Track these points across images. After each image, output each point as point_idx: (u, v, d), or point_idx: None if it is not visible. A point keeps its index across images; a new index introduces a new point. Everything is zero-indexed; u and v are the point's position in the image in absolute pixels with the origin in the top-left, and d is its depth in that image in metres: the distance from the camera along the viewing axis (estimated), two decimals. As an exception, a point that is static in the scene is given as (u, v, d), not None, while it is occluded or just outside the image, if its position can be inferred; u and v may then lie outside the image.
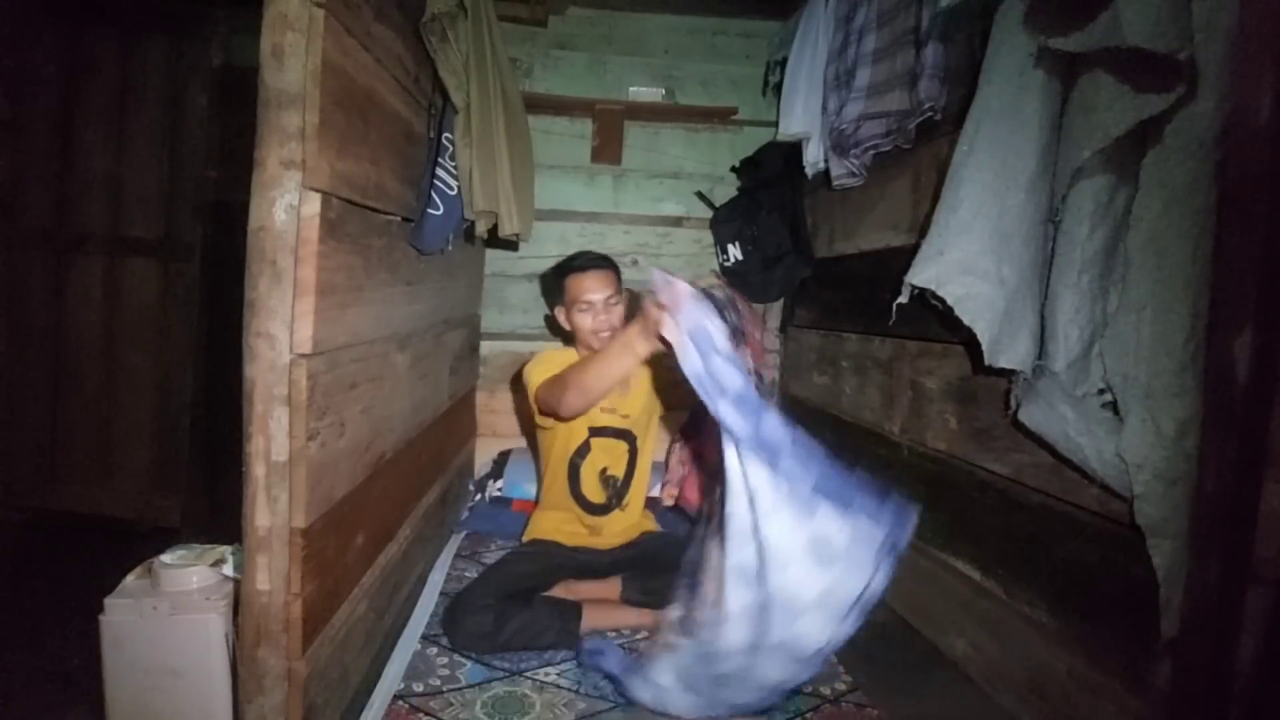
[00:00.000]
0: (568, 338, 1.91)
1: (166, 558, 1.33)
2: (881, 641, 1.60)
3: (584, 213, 2.60)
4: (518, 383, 2.13)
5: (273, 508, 1.02)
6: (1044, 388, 1.15)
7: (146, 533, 2.43)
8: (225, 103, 2.52)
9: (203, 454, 2.55)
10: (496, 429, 2.62)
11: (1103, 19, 0.97)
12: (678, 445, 2.28)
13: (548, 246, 2.56)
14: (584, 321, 1.68)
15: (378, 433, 1.38)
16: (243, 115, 1.07)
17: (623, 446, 1.83)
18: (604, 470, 1.82)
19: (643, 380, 1.81)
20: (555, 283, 1.77)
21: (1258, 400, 0.85)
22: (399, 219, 1.46)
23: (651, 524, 1.94)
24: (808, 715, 1.32)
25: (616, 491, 1.83)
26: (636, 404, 1.82)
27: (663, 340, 1.18)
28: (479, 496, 2.33)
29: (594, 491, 1.82)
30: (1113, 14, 0.95)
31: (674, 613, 1.24)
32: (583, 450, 1.80)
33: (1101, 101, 1.02)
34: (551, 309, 1.77)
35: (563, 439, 1.79)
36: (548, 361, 1.71)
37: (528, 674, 1.42)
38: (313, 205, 1.02)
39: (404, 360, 1.53)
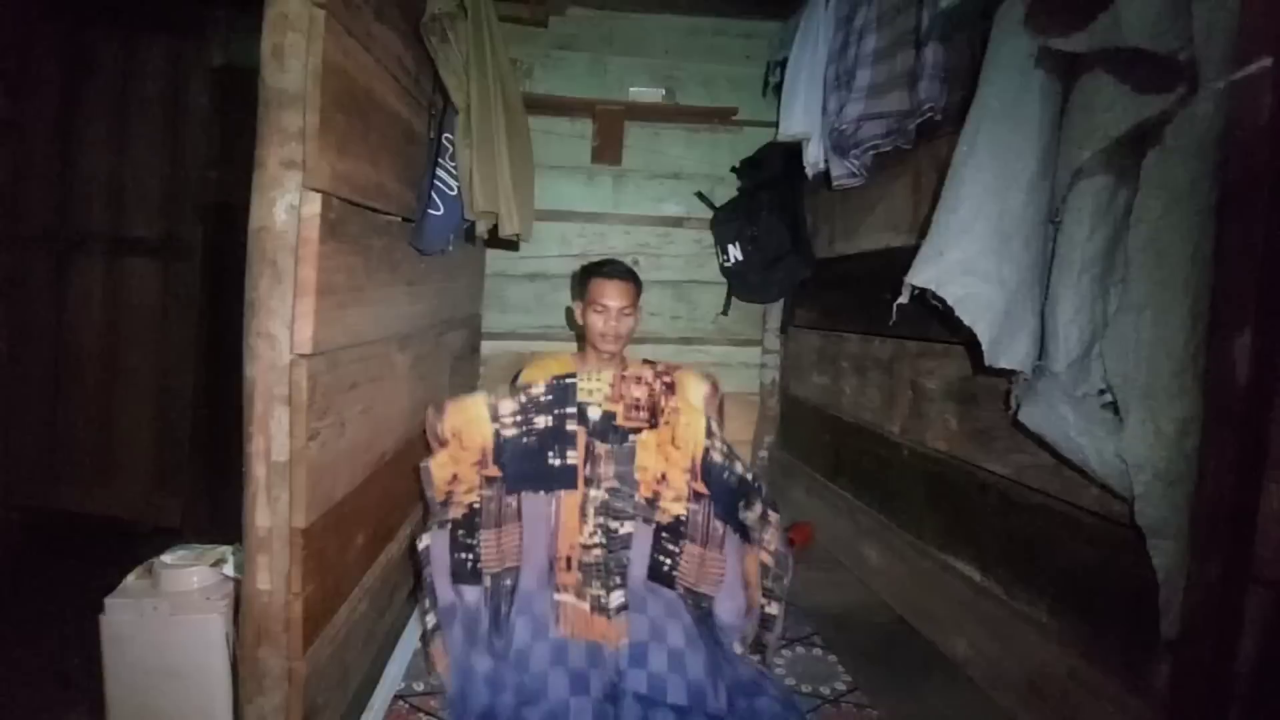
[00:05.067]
0: (579, 337, 1.92)
1: (167, 558, 1.33)
2: (881, 641, 1.60)
3: (584, 213, 2.60)
4: (515, 384, 2.13)
5: (273, 508, 1.02)
6: (1044, 388, 1.15)
7: (147, 533, 2.43)
8: (226, 103, 2.51)
9: (203, 454, 2.54)
10: (497, 429, 2.61)
11: (1103, 19, 0.97)
12: None
13: (548, 247, 2.56)
14: (595, 322, 1.73)
15: (378, 433, 1.38)
16: (243, 115, 1.07)
17: None
18: None
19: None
20: (581, 279, 1.81)
21: (1258, 401, 0.85)
22: (399, 219, 1.46)
23: None
24: (808, 715, 1.32)
25: None
26: None
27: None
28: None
29: None
30: (1113, 14, 0.95)
31: None
32: None
33: (1101, 102, 1.02)
34: (573, 301, 1.82)
35: None
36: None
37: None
38: (313, 205, 1.02)
39: (404, 360, 1.53)
